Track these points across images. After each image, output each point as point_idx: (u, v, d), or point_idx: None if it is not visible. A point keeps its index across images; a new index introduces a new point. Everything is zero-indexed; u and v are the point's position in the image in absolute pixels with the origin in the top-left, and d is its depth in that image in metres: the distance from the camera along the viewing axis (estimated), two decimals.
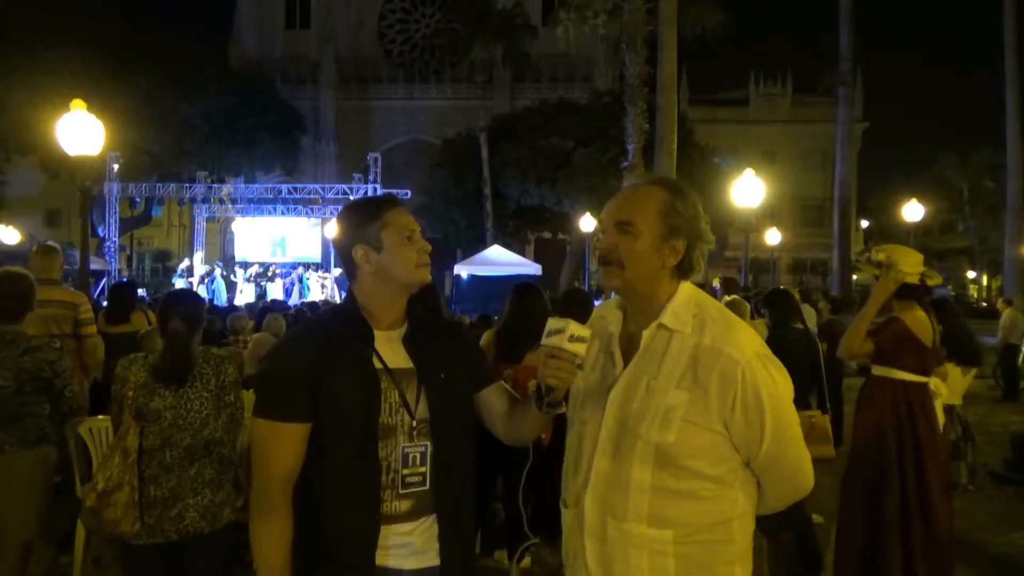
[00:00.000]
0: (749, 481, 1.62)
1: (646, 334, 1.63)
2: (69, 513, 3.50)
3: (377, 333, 1.76)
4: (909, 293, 3.69)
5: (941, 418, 3.73)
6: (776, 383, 1.56)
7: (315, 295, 23.21)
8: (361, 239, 1.76)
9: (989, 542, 4.94)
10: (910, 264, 3.64)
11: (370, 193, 23.18)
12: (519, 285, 4.53)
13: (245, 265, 25.66)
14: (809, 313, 7.34)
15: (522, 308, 4.28)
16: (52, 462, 3.27)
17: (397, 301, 1.81)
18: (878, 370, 3.78)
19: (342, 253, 1.82)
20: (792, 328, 4.57)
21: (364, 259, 1.76)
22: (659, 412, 1.55)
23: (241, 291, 23.02)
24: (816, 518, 4.59)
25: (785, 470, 1.62)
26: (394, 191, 22.08)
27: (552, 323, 1.64)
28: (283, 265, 25.91)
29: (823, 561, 4.08)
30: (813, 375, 4.56)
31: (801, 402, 4.40)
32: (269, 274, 24.60)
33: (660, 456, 1.55)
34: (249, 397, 2.31)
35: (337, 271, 24.54)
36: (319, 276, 24.77)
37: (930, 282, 3.69)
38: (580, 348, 1.61)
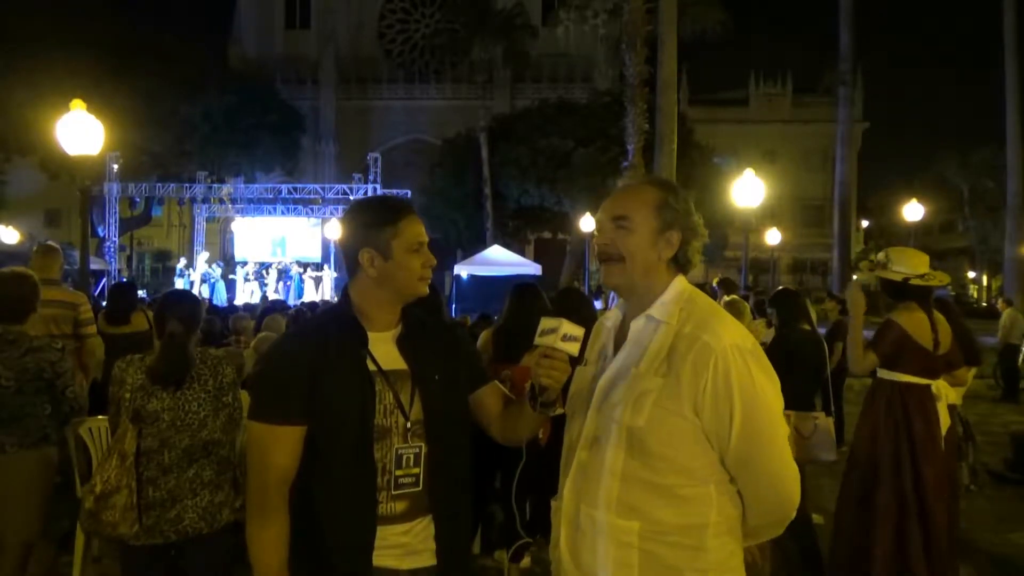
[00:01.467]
0: (728, 488, 1.59)
1: (633, 325, 1.64)
2: (69, 513, 3.50)
3: (371, 335, 1.76)
4: (906, 294, 3.67)
5: (946, 420, 3.69)
6: (752, 378, 1.53)
7: (310, 294, 23.22)
8: (370, 243, 1.75)
9: (989, 542, 4.94)
10: (909, 265, 3.63)
11: (370, 193, 23.19)
12: (519, 285, 4.53)
13: (243, 265, 25.65)
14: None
15: (522, 308, 4.27)
16: (52, 462, 3.27)
17: (393, 306, 1.81)
18: (881, 372, 3.77)
19: (347, 252, 1.80)
20: (799, 329, 4.55)
21: (369, 263, 1.75)
22: (633, 396, 1.56)
23: (252, 292, 22.99)
24: (816, 518, 4.59)
25: (760, 473, 1.57)
26: (394, 191, 22.10)
27: (545, 323, 1.65)
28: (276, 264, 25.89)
29: (824, 561, 4.08)
30: (818, 376, 4.55)
31: (807, 403, 4.40)
32: (278, 268, 24.57)
33: (632, 441, 1.55)
34: (247, 398, 2.31)
35: (334, 274, 24.58)
36: (311, 273, 24.77)
37: (927, 282, 3.67)
38: (573, 347, 1.62)
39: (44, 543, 3.33)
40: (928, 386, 3.65)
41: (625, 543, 1.54)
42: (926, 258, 3.70)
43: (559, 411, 1.74)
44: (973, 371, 4.82)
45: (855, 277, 3.95)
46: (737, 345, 1.54)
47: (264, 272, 24.52)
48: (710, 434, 1.54)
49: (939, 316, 3.74)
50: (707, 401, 1.52)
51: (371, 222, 1.77)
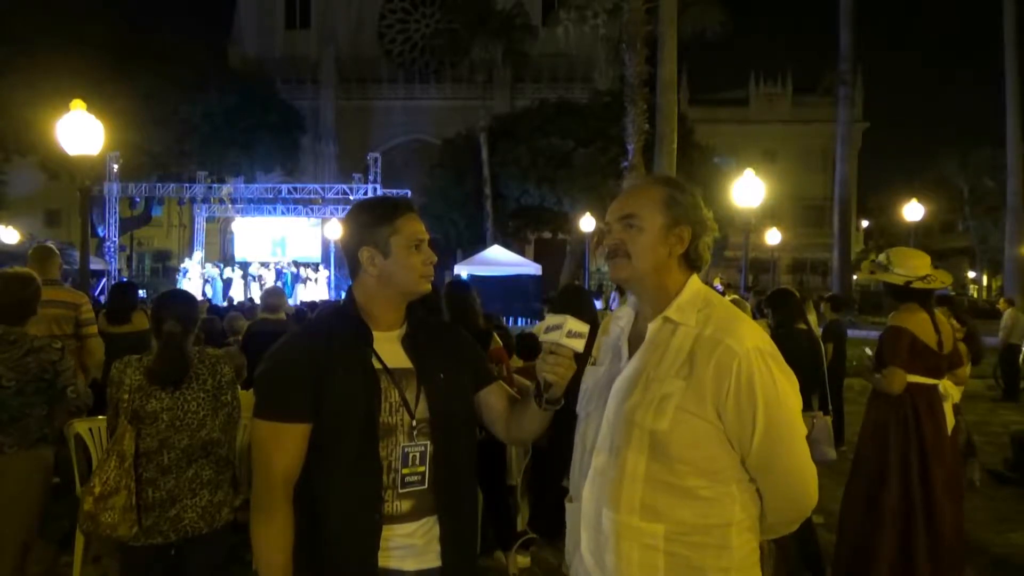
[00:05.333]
0: (748, 487, 1.59)
1: (651, 327, 1.62)
2: (69, 513, 3.50)
3: (376, 333, 1.76)
4: (908, 295, 3.66)
5: (951, 420, 3.69)
6: (775, 380, 1.53)
7: (308, 294, 23.23)
8: (369, 241, 1.76)
9: (989, 542, 4.93)
10: (910, 266, 3.61)
11: (370, 193, 23.21)
12: (454, 284, 4.56)
13: (244, 265, 25.67)
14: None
15: (454, 306, 4.25)
16: (51, 463, 3.26)
17: (397, 304, 1.82)
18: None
19: (348, 252, 1.81)
20: (795, 328, 4.55)
21: (369, 261, 1.76)
22: (655, 400, 1.54)
23: (289, 290, 22.96)
24: (816, 518, 4.59)
25: (781, 473, 1.58)
26: (394, 191, 22.11)
27: (550, 319, 1.65)
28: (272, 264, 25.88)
29: (825, 562, 4.08)
30: (815, 375, 4.55)
31: (804, 402, 4.38)
32: (275, 268, 24.59)
33: (655, 445, 1.54)
34: (248, 396, 2.29)
35: (326, 272, 24.58)
36: (308, 271, 24.78)
37: (928, 284, 3.65)
38: (578, 344, 1.62)
39: (44, 543, 3.32)
40: (936, 386, 3.63)
41: (650, 546, 1.54)
42: (927, 259, 3.68)
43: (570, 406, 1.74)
44: (968, 368, 4.82)
45: (858, 277, 3.87)
46: (759, 348, 1.53)
47: (267, 270, 24.50)
48: (732, 437, 1.54)
49: (940, 316, 3.73)
50: (730, 404, 1.51)
51: (370, 221, 1.77)
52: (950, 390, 3.68)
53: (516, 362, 5.27)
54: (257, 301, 19.79)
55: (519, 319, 20.62)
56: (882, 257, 3.71)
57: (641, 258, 1.62)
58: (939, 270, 3.71)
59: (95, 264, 21.34)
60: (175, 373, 2.68)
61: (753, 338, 1.54)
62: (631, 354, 1.65)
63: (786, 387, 1.56)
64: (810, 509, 1.66)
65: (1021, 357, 11.69)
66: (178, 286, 20.61)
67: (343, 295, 1.89)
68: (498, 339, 4.15)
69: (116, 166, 23.95)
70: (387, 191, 22.96)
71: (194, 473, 2.69)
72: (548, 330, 1.63)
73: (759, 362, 1.52)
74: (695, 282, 1.65)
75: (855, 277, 25.95)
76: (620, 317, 1.75)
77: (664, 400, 1.54)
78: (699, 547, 1.53)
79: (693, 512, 1.53)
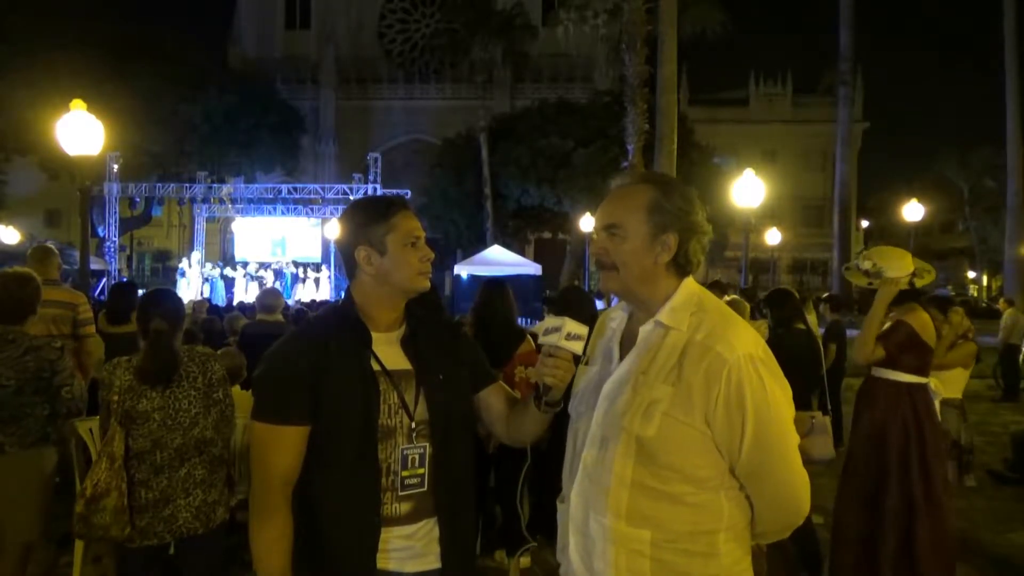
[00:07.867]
0: (737, 494, 1.56)
1: (642, 330, 1.60)
2: (69, 513, 3.49)
3: (375, 335, 1.76)
4: (908, 296, 3.66)
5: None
6: (765, 388, 1.49)
7: (308, 294, 23.24)
8: (365, 240, 1.75)
9: (989, 542, 4.93)
10: (898, 268, 3.59)
11: (370, 193, 23.21)
12: (488, 281, 4.49)
13: (244, 264, 25.67)
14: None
15: (491, 304, 4.19)
16: (52, 463, 3.26)
17: (395, 304, 1.81)
18: (877, 371, 3.76)
19: (344, 252, 1.80)
20: (794, 329, 4.55)
21: (366, 261, 1.75)
22: (643, 405, 1.52)
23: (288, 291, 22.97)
24: (816, 518, 4.58)
25: (771, 482, 1.55)
26: (394, 191, 22.09)
27: (549, 321, 1.64)
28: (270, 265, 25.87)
29: (823, 562, 4.08)
30: (814, 375, 4.55)
31: (803, 403, 4.39)
32: (274, 269, 24.60)
33: (641, 451, 1.52)
34: (249, 397, 2.29)
35: (327, 273, 24.58)
36: (310, 273, 24.79)
37: (923, 280, 3.66)
38: (577, 346, 1.60)
39: (44, 543, 3.32)
40: (927, 384, 3.66)
41: (636, 551, 1.52)
42: (909, 256, 3.67)
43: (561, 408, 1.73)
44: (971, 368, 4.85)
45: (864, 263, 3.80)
46: (750, 355, 1.50)
47: (264, 271, 24.49)
48: (721, 445, 1.51)
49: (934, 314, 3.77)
50: (719, 413, 1.48)
51: (365, 220, 1.77)
52: (939, 388, 3.71)
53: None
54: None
55: (519, 319, 20.61)
56: (867, 264, 3.60)
57: (626, 268, 1.59)
58: (916, 259, 3.69)
59: (95, 264, 21.35)
60: (165, 371, 2.67)
61: (745, 345, 1.51)
62: (622, 356, 1.62)
63: (777, 395, 1.52)
64: (802, 518, 1.63)
65: (1021, 357, 11.70)
66: (176, 287, 20.64)
67: (342, 295, 1.88)
68: (531, 341, 4.07)
69: (116, 166, 23.95)
70: (387, 191, 22.95)
71: (187, 473, 2.68)
72: (547, 332, 1.62)
73: (749, 370, 1.49)
74: (688, 285, 1.61)
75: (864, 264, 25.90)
76: (613, 318, 1.72)
77: (652, 406, 1.51)
78: (686, 554, 1.51)
79: (680, 519, 1.51)
